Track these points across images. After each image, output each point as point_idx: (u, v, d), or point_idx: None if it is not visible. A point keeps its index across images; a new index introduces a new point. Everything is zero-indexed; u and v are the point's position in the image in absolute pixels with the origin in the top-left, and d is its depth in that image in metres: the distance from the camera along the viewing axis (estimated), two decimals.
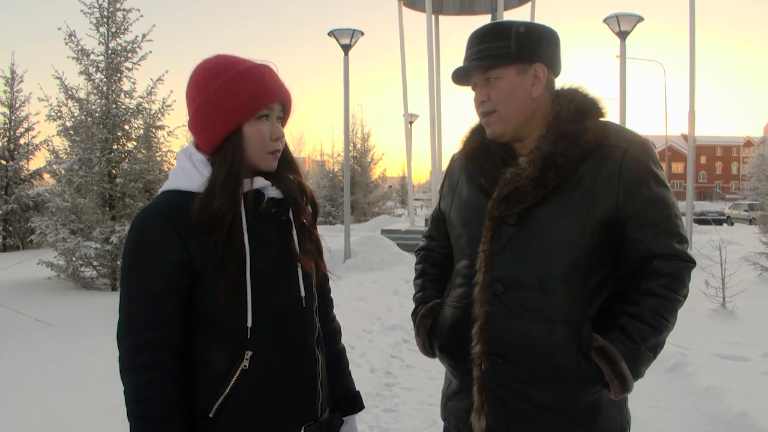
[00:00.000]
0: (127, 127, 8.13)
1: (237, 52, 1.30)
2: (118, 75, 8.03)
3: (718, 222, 23.11)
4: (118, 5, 8.08)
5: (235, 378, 1.20)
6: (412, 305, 1.64)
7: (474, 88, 1.46)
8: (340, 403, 1.46)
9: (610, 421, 1.36)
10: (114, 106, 7.97)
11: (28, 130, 12.85)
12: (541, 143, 1.36)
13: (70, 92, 7.87)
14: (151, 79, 8.27)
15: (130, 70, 8.13)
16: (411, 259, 10.34)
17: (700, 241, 10.41)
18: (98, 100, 7.98)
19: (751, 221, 22.56)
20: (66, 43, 7.79)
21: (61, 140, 8.23)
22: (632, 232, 1.33)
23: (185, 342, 1.22)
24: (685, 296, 1.34)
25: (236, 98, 1.21)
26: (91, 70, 7.92)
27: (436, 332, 1.51)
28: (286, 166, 1.34)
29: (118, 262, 7.29)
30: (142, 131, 8.17)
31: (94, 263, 7.68)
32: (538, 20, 10.99)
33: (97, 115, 7.88)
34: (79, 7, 7.87)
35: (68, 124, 7.94)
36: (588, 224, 1.31)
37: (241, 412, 1.21)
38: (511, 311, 1.34)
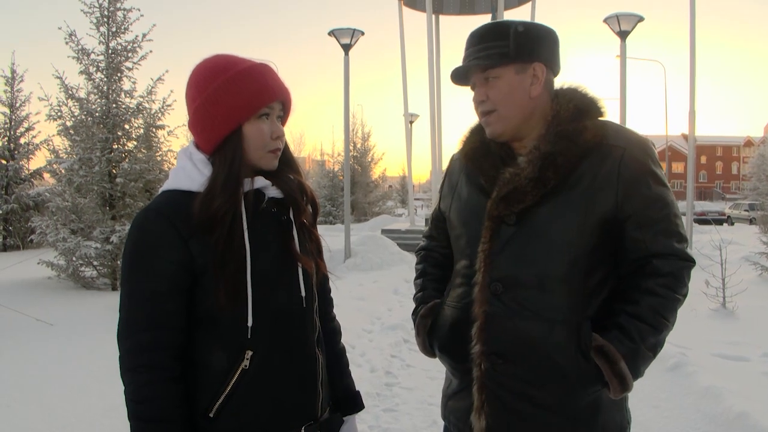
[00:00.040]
0: (127, 126, 8.14)
1: (237, 52, 1.30)
2: (119, 74, 8.03)
3: (719, 222, 23.12)
4: (118, 5, 8.08)
5: (235, 378, 1.20)
6: (413, 305, 1.64)
7: (473, 88, 1.46)
8: (340, 402, 1.46)
9: (610, 420, 1.36)
10: (114, 105, 7.98)
11: (28, 129, 12.87)
12: (540, 143, 1.36)
13: (70, 92, 7.87)
14: (152, 79, 8.29)
15: (130, 69, 8.15)
16: (411, 258, 10.34)
17: (701, 241, 10.41)
18: (98, 100, 7.99)
19: (751, 221, 22.54)
20: (66, 43, 7.80)
21: (61, 140, 8.26)
22: (632, 232, 1.33)
23: (186, 342, 1.22)
24: (685, 295, 1.34)
25: (236, 98, 1.21)
26: (92, 69, 7.93)
27: (436, 332, 1.51)
28: (286, 165, 1.34)
29: (119, 262, 7.29)
30: (142, 131, 8.17)
31: (95, 263, 7.68)
32: (538, 20, 10.99)
33: (97, 114, 7.88)
34: (79, 6, 7.89)
35: (68, 123, 7.94)
36: (587, 224, 1.31)
37: (242, 411, 1.21)
38: (510, 311, 1.34)
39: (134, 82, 8.20)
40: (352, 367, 1.56)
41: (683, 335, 4.90)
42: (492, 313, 1.35)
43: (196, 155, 1.26)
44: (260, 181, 1.27)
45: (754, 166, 29.34)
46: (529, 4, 17.51)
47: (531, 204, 1.33)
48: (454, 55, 1.49)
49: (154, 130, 8.25)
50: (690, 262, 1.34)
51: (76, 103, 7.92)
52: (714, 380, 3.98)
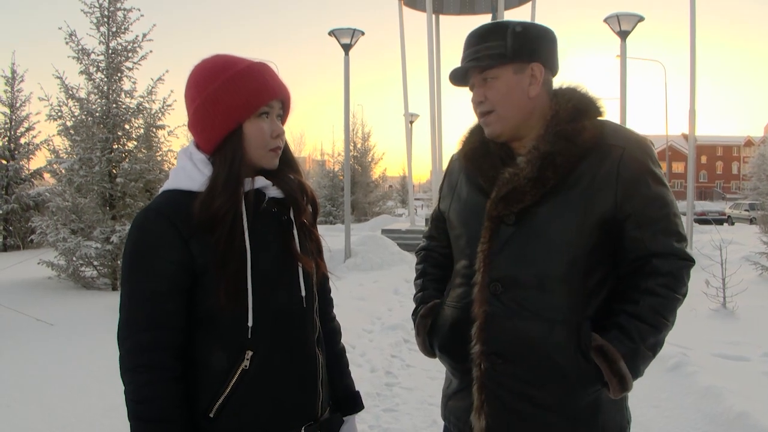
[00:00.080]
0: (127, 126, 8.15)
1: (237, 52, 1.30)
2: (119, 74, 8.04)
3: (719, 222, 23.12)
4: (118, 5, 8.09)
5: (235, 378, 1.20)
6: (413, 305, 1.64)
7: (471, 89, 1.46)
8: (340, 402, 1.46)
9: (609, 420, 1.36)
10: (114, 105, 7.98)
11: (28, 129, 12.88)
12: (539, 143, 1.36)
13: (70, 92, 7.88)
14: (152, 79, 8.30)
15: (130, 69, 8.15)
16: (411, 258, 10.34)
17: (701, 241, 10.41)
18: (99, 100, 8.00)
19: (751, 221, 22.52)
20: (66, 43, 7.81)
21: (61, 140, 8.27)
22: (631, 231, 1.33)
23: (186, 342, 1.22)
24: (685, 295, 1.34)
25: (236, 97, 1.21)
26: (92, 69, 7.94)
27: (436, 332, 1.51)
28: (286, 165, 1.34)
29: (119, 262, 7.29)
30: (142, 131, 8.18)
31: (95, 263, 7.69)
32: (538, 20, 11.01)
33: (97, 114, 7.88)
34: (79, 6, 7.90)
35: (69, 123, 7.95)
36: (586, 223, 1.31)
37: (242, 412, 1.21)
38: (510, 311, 1.34)
39: (134, 82, 8.22)
40: (352, 367, 1.56)
41: (683, 335, 4.90)
42: (492, 313, 1.35)
43: (197, 155, 1.26)
44: (261, 181, 1.27)
45: (755, 166, 29.30)
46: (529, 4, 17.52)
47: (530, 204, 1.33)
48: (454, 55, 1.49)
49: (154, 130, 8.25)
50: (689, 261, 1.34)
51: (76, 103, 7.92)
52: (714, 380, 3.98)
